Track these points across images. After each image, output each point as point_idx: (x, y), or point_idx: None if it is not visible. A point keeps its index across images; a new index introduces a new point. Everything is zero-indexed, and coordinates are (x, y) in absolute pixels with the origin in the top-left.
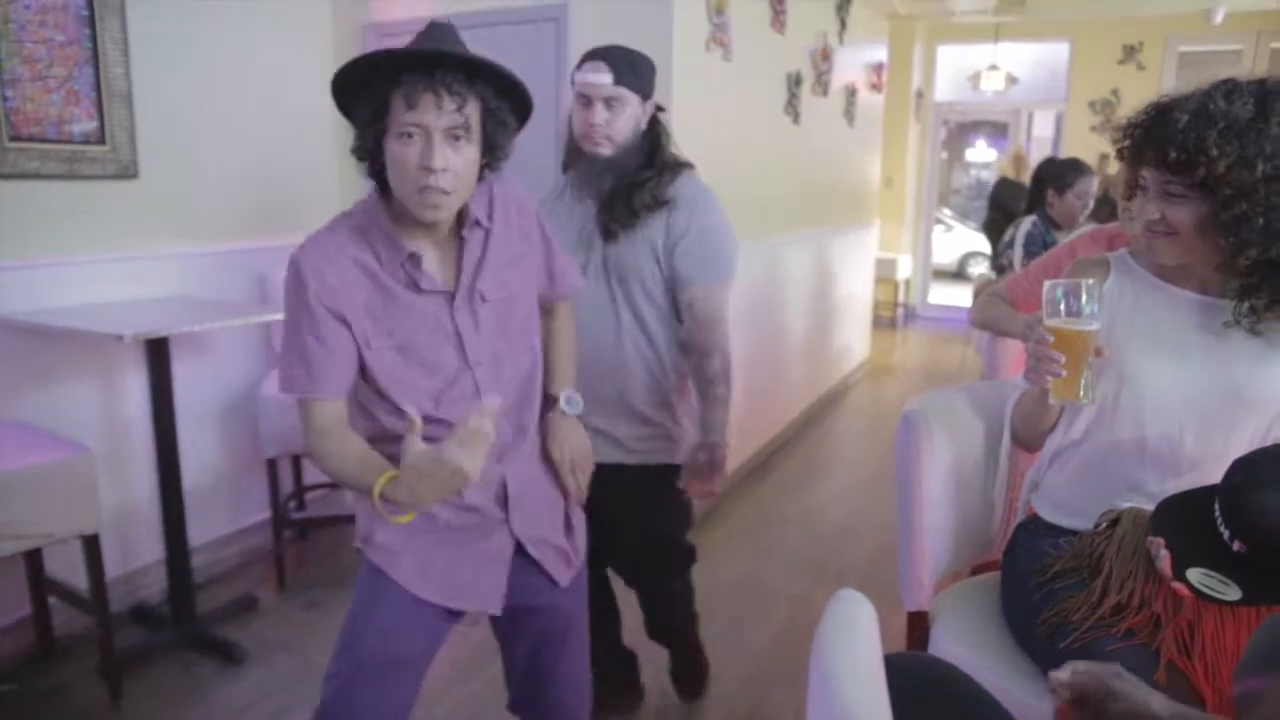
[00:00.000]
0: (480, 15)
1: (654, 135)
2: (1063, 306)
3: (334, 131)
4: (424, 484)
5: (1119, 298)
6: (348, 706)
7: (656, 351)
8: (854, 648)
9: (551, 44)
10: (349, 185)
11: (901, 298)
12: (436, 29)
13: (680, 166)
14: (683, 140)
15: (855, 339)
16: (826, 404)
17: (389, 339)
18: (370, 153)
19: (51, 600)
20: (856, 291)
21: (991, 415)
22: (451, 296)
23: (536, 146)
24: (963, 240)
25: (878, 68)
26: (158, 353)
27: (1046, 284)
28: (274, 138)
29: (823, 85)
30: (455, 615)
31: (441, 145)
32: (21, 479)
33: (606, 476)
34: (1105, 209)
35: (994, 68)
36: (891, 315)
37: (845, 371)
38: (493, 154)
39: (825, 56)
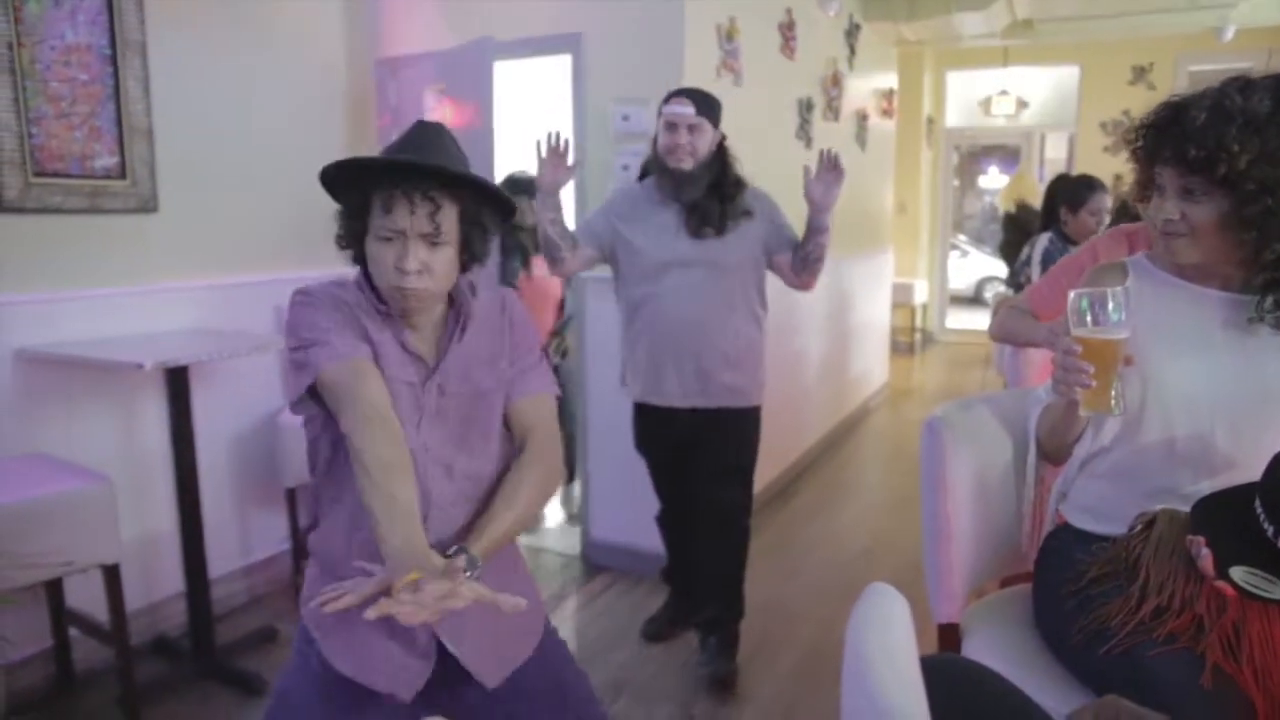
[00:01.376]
0: (497, 46)
1: (724, 156)
2: (1089, 316)
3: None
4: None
5: (1139, 300)
6: None
7: (744, 318)
8: (889, 639)
9: (568, 72)
10: None
11: (919, 322)
12: (422, 131)
13: (742, 183)
14: None
15: (874, 363)
16: (847, 428)
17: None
18: (353, 244)
19: (72, 632)
20: (874, 316)
21: (1015, 423)
22: (424, 378)
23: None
24: (978, 265)
25: (888, 94)
26: (178, 382)
27: (1072, 294)
28: (289, 171)
29: (834, 111)
30: (380, 696)
31: (416, 248)
32: (41, 508)
33: (709, 417)
34: (1125, 219)
35: (1004, 93)
36: (910, 340)
37: (865, 396)
38: (471, 253)
39: (835, 82)
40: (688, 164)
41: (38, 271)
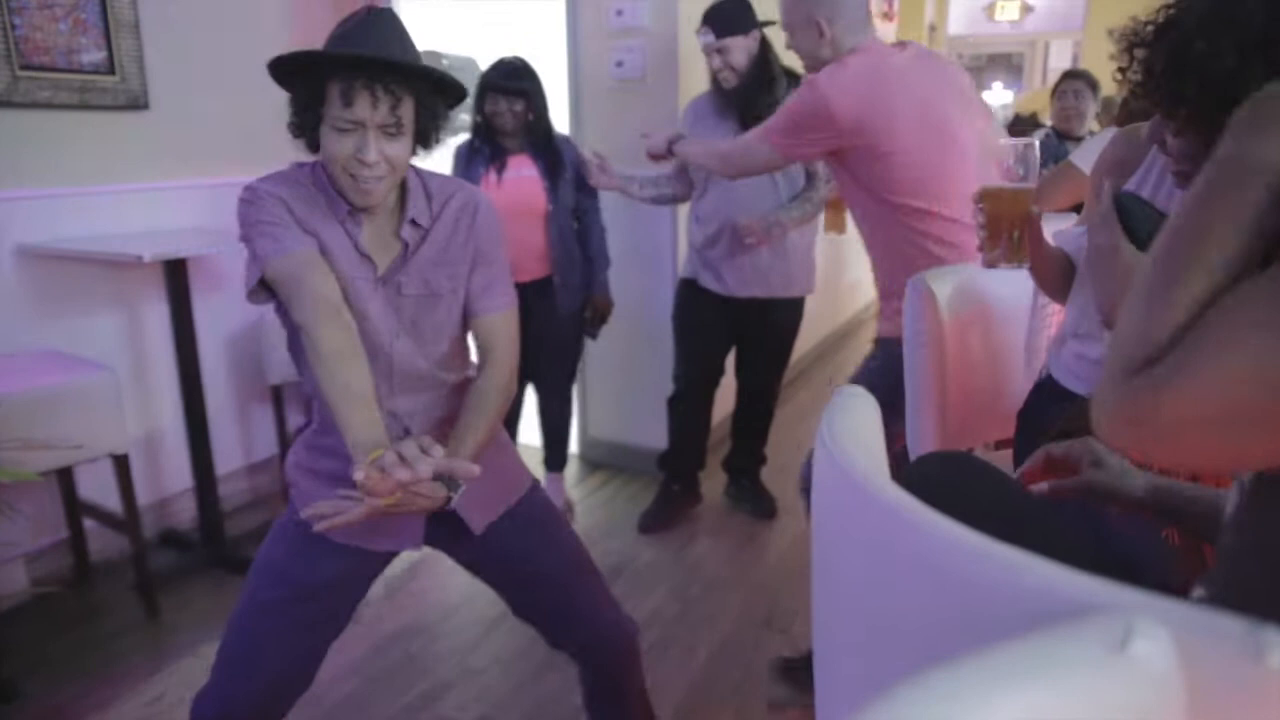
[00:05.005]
0: None
1: (763, 55)
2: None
3: None
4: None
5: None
6: (249, 636)
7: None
8: (856, 424)
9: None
10: None
11: None
12: (376, 20)
13: (792, 76)
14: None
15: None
16: (841, 337)
17: (338, 270)
18: (308, 132)
19: (87, 524)
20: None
21: (1003, 289)
22: (379, 279)
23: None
24: None
25: None
26: (177, 277)
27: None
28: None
29: None
30: (379, 556)
31: (376, 140)
32: (50, 396)
33: (761, 306)
34: (1112, 111)
35: None
36: None
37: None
38: (425, 143)
39: None
40: (732, 81)
41: (32, 168)
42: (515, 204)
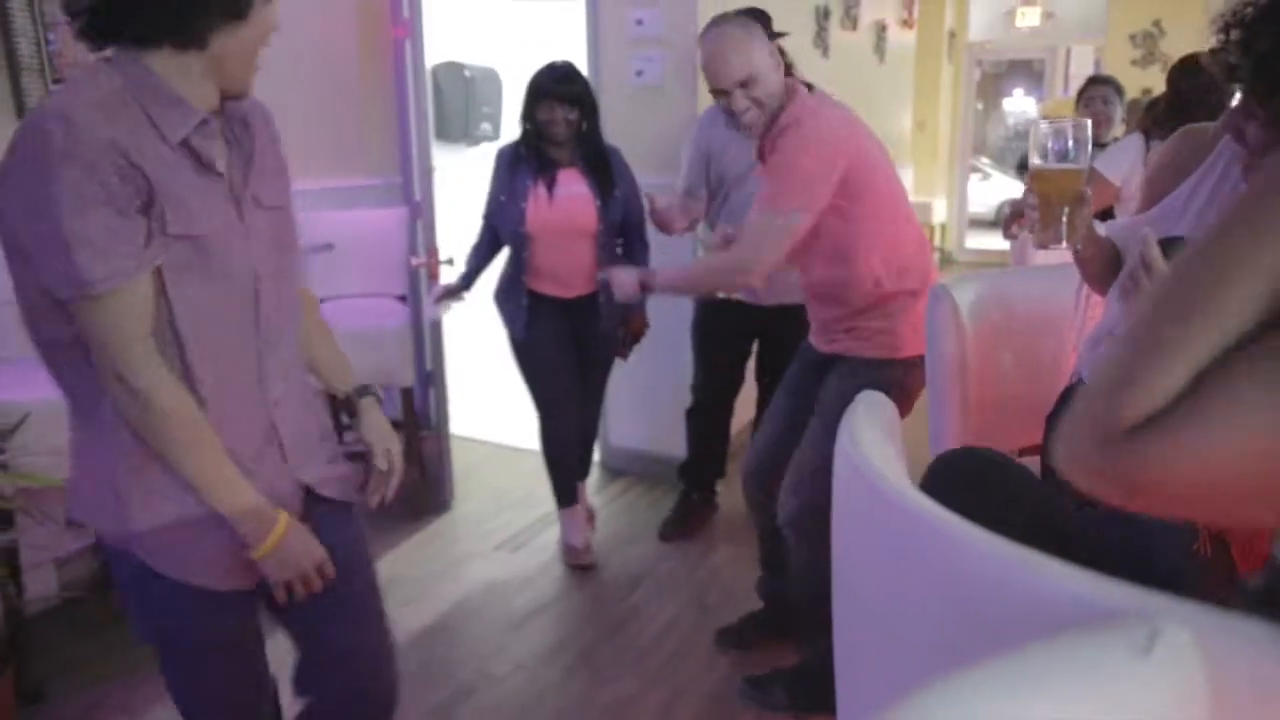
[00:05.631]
0: None
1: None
2: (1048, 148)
3: (359, 70)
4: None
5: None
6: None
7: None
8: (877, 430)
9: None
10: (371, 125)
11: (938, 242)
12: None
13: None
14: None
15: None
16: None
17: (187, 226)
18: (186, 28)
19: None
20: None
21: (1027, 295)
22: (233, 196)
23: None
24: (1001, 189)
25: (909, 3)
26: None
27: (1038, 124)
28: (310, 81)
29: (852, 19)
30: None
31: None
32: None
33: (786, 313)
34: (1137, 115)
35: (1029, 2)
36: None
37: None
38: None
39: None
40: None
41: None
42: (566, 222)
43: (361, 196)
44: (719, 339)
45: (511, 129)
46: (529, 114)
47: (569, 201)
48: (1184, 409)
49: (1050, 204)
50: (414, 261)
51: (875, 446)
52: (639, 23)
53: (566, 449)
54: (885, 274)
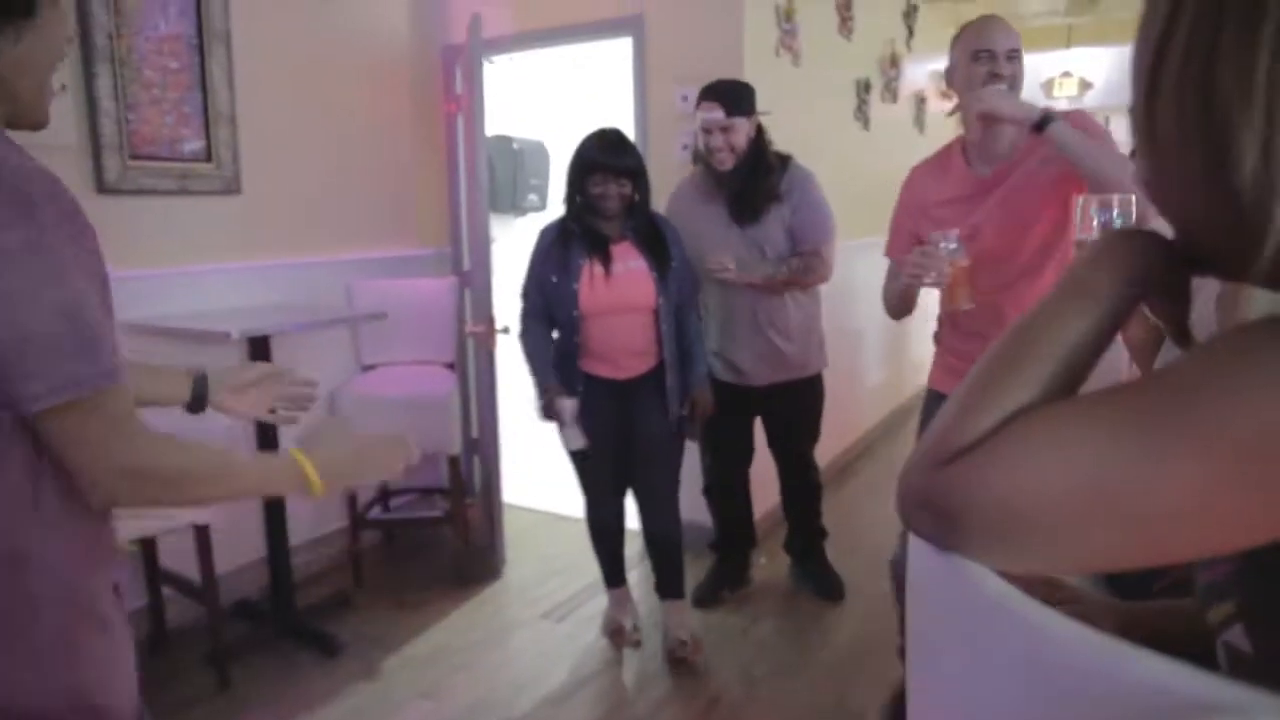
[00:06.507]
0: (560, 30)
1: (758, 141)
2: (1097, 222)
3: (411, 143)
4: (370, 458)
5: None
6: None
7: (796, 292)
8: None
9: (629, 55)
10: (428, 193)
11: None
12: None
13: (783, 160)
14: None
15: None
16: (908, 412)
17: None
18: None
19: (165, 592)
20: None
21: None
22: None
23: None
24: None
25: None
26: (260, 352)
27: (1079, 199)
28: (360, 155)
29: (892, 92)
30: None
31: None
32: None
33: (779, 390)
34: None
35: (1067, 74)
36: None
37: (923, 382)
38: None
39: (894, 63)
40: (729, 163)
41: (136, 249)
42: (625, 300)
43: (412, 266)
44: (717, 421)
45: (559, 201)
46: (578, 187)
47: (627, 278)
48: (994, 438)
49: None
50: (469, 329)
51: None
52: (684, 99)
53: (610, 535)
54: None
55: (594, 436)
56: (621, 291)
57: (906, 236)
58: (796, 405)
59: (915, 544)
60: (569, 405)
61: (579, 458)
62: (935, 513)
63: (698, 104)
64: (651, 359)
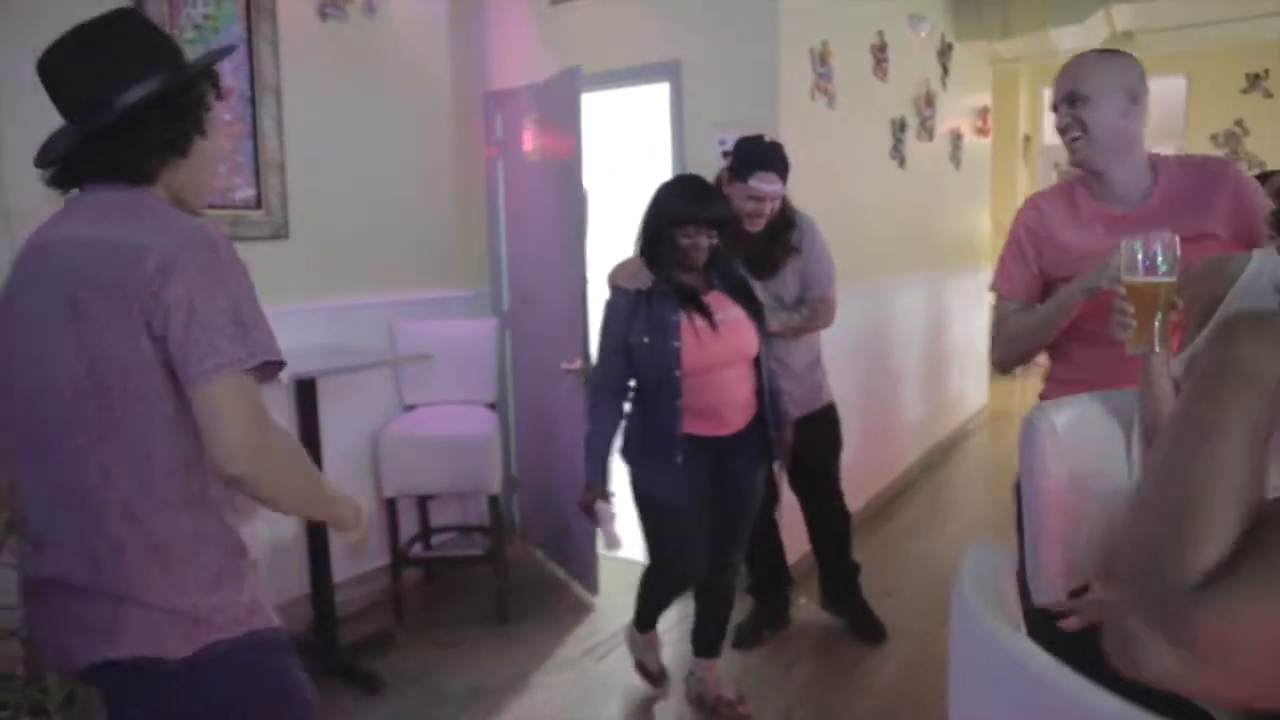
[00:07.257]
0: (598, 76)
1: (784, 203)
2: (1137, 262)
3: (452, 187)
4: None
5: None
6: None
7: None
8: (987, 579)
9: (667, 99)
10: (469, 233)
11: None
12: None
13: (795, 214)
14: (791, 186)
15: (972, 385)
16: (946, 449)
17: None
18: (181, 143)
19: None
20: (971, 337)
21: (1118, 420)
22: None
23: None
24: None
25: (983, 112)
26: (306, 393)
27: (1124, 244)
28: (404, 200)
29: (927, 130)
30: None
31: None
32: None
33: (801, 424)
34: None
35: None
36: None
37: (963, 418)
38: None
39: (929, 102)
40: (760, 226)
41: None
42: (735, 351)
43: (453, 307)
44: None
45: (596, 242)
46: (665, 238)
47: (734, 327)
48: (1245, 565)
49: (1145, 315)
50: (565, 366)
51: (988, 596)
52: (722, 143)
53: (685, 588)
54: None
55: (693, 495)
56: (729, 343)
57: (1027, 266)
58: (813, 435)
59: (956, 603)
60: (608, 512)
61: (669, 513)
62: (1192, 649)
63: (742, 172)
64: (752, 410)
